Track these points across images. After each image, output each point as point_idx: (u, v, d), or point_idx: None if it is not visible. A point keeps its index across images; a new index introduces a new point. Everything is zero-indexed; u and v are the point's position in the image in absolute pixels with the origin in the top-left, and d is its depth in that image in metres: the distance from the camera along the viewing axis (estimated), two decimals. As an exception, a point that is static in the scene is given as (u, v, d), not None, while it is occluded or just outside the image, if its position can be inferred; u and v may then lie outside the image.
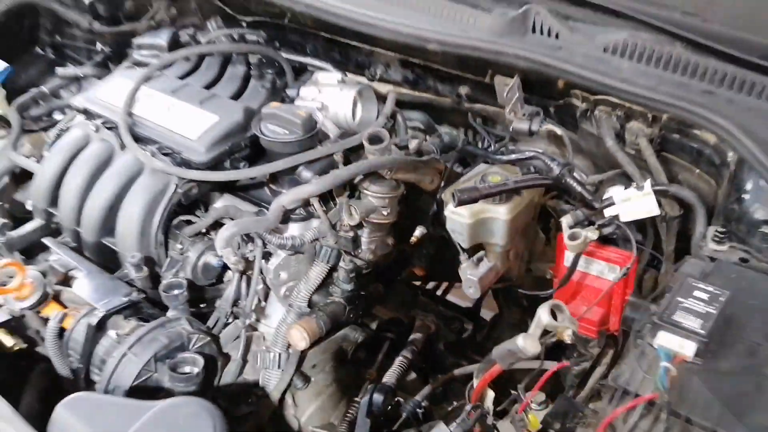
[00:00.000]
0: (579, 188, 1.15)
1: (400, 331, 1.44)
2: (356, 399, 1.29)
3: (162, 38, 1.47)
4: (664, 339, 0.85)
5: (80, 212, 1.21)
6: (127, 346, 1.02)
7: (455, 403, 1.27)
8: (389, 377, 1.27)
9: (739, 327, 0.89)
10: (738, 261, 1.01)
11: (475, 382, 0.99)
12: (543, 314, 0.92)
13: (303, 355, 1.26)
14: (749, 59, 1.12)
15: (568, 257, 1.13)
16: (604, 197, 1.13)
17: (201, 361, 1.03)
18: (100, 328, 1.08)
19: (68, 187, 1.23)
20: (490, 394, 1.02)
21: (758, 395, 0.82)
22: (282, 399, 1.27)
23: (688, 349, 0.84)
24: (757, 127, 1.05)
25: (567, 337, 0.92)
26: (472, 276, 1.21)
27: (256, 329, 1.26)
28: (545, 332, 0.93)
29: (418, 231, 1.30)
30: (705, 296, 0.89)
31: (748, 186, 1.05)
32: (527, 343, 0.90)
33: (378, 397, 1.20)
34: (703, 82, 1.14)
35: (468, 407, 1.00)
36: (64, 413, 0.87)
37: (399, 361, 1.31)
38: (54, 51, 1.78)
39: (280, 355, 1.22)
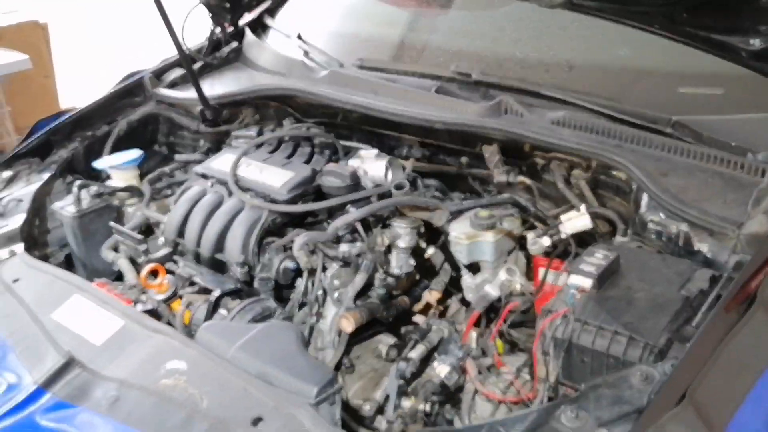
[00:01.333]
0: (533, 208, 1.69)
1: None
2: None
3: (252, 131, 2.10)
4: (573, 279, 1.37)
5: (200, 238, 1.78)
6: (234, 313, 1.57)
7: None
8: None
9: (620, 272, 1.40)
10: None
11: (463, 327, 1.50)
12: (502, 273, 1.45)
13: (350, 338, 1.76)
14: (642, 123, 1.69)
15: (541, 272, 1.63)
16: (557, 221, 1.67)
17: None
18: (216, 306, 1.62)
19: (192, 222, 1.80)
20: (473, 335, 1.53)
21: (627, 307, 1.31)
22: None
23: (586, 283, 1.36)
24: (646, 164, 1.59)
25: (518, 287, 1.45)
26: (470, 284, 1.73)
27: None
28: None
29: (431, 249, 1.83)
30: (601, 255, 1.42)
31: (643, 201, 1.58)
32: (492, 289, 1.44)
33: (403, 365, 1.67)
34: (615, 139, 1.70)
35: (457, 346, 1.51)
36: (204, 331, 1.41)
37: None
38: (168, 148, 2.42)
39: (333, 338, 1.73)
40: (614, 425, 1.10)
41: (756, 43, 1.44)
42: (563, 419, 1.12)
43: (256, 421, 1.21)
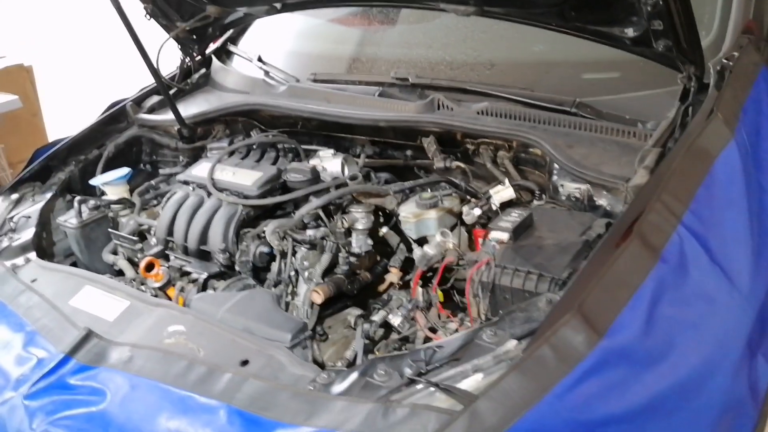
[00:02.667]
0: (464, 185, 2.01)
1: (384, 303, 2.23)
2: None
3: (224, 143, 2.41)
4: (493, 233, 1.68)
5: (187, 233, 2.08)
6: (220, 290, 1.86)
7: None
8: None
9: (534, 226, 1.72)
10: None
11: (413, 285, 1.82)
12: (437, 236, 1.77)
13: (321, 311, 2.05)
14: (551, 106, 2.01)
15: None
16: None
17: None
18: (204, 287, 1.92)
19: (179, 221, 2.09)
20: (419, 290, 1.83)
21: (538, 252, 1.62)
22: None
23: (504, 236, 1.67)
24: (555, 140, 1.91)
25: (451, 245, 1.77)
26: (430, 251, 2.02)
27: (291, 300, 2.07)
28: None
29: (384, 229, 2.13)
30: (516, 214, 1.73)
31: (554, 170, 1.89)
32: (429, 248, 1.75)
33: (367, 326, 1.95)
34: (529, 122, 2.01)
35: (406, 300, 1.82)
36: (197, 301, 1.71)
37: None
38: (152, 165, 2.72)
39: (306, 310, 2.02)
40: (524, 338, 1.40)
41: (629, 31, 1.75)
42: (484, 337, 1.41)
43: (244, 362, 1.50)
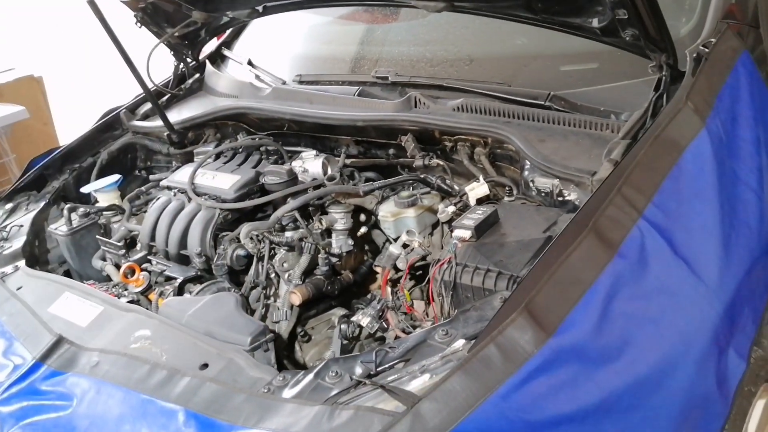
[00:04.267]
0: (438, 182, 1.99)
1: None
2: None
3: (211, 147, 2.44)
4: (456, 232, 1.67)
5: (168, 237, 2.11)
6: (195, 294, 1.88)
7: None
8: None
9: (500, 223, 1.70)
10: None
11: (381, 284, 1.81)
12: (403, 235, 1.76)
13: (305, 312, 2.06)
14: (525, 101, 1.99)
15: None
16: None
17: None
18: (181, 290, 1.94)
19: (160, 227, 2.12)
20: (388, 290, 1.83)
21: (499, 249, 1.60)
22: (292, 346, 2.07)
23: (466, 234, 1.66)
24: (528, 134, 1.89)
25: (416, 244, 1.76)
26: (395, 251, 2.02)
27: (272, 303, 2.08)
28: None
29: (363, 228, 2.13)
30: (481, 211, 1.71)
31: (526, 167, 1.87)
32: (395, 249, 1.74)
33: (344, 327, 1.93)
34: (504, 117, 1.99)
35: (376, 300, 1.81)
36: (165, 306, 1.73)
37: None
38: (146, 171, 2.76)
39: (285, 311, 2.03)
40: (475, 338, 1.38)
41: (595, 21, 1.72)
42: (436, 337, 1.40)
43: (204, 366, 1.52)
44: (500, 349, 1.24)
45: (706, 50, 1.81)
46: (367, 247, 2.22)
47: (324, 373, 1.39)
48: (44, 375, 1.61)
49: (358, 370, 1.38)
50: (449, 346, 1.36)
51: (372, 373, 1.36)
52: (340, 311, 2.09)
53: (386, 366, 1.37)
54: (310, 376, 1.40)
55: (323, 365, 1.42)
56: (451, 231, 1.72)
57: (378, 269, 2.16)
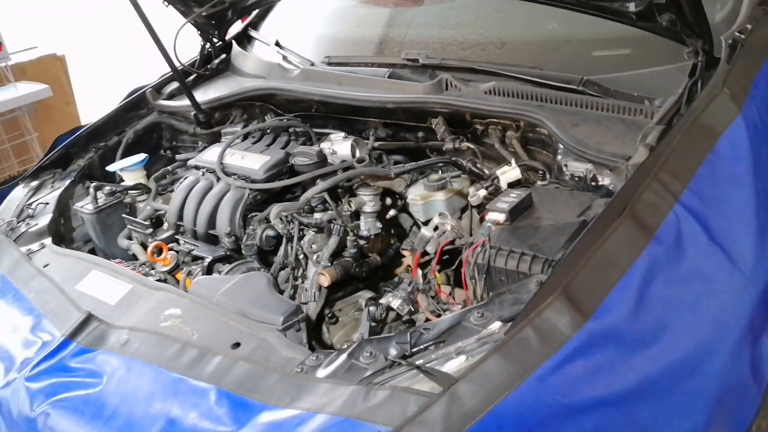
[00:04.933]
0: (468, 166, 1.98)
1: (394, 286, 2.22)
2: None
3: (238, 127, 2.43)
4: (490, 215, 1.66)
5: (196, 217, 2.11)
6: (224, 273, 1.88)
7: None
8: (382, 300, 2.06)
9: (534, 207, 1.68)
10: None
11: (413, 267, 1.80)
12: (435, 218, 1.75)
13: (332, 294, 2.05)
14: (559, 85, 1.97)
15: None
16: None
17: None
18: (209, 270, 1.94)
19: (188, 206, 2.12)
20: (419, 272, 1.82)
21: (534, 233, 1.59)
22: (319, 328, 2.07)
23: (500, 217, 1.65)
24: (561, 119, 1.87)
25: (449, 227, 1.75)
26: (426, 233, 2.01)
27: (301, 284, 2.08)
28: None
29: (392, 211, 2.12)
30: (515, 195, 1.70)
31: (559, 150, 1.86)
32: (427, 231, 1.73)
33: (373, 309, 1.94)
34: (537, 101, 1.97)
35: (406, 282, 1.81)
36: (195, 284, 1.73)
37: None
38: (171, 151, 2.76)
39: (314, 292, 2.02)
40: (511, 320, 1.37)
41: (632, 6, 1.70)
42: (471, 319, 1.39)
43: (236, 345, 1.52)
44: (537, 331, 1.23)
45: (742, 36, 1.79)
46: (393, 231, 2.21)
47: (358, 354, 1.39)
48: (74, 352, 1.61)
49: (393, 351, 1.37)
50: (485, 329, 1.35)
51: (407, 354, 1.36)
52: (367, 294, 2.08)
53: (421, 347, 1.36)
54: (344, 356, 1.40)
55: (357, 345, 1.41)
56: (484, 214, 1.71)
57: (405, 253, 2.16)
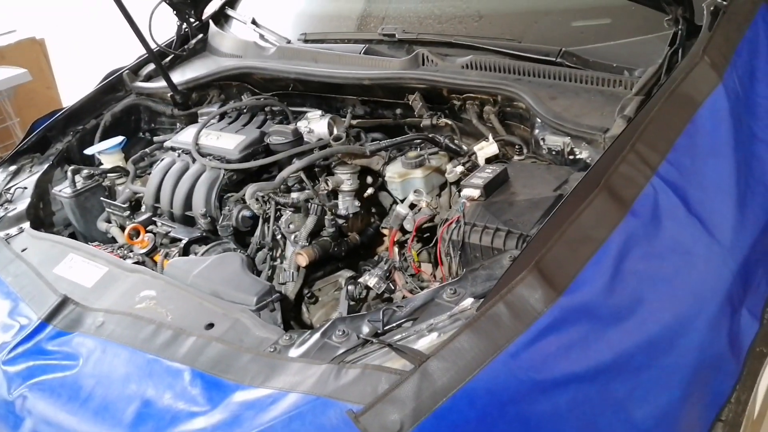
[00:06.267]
0: (447, 141, 1.96)
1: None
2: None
3: (215, 108, 2.40)
4: (465, 191, 1.64)
5: (172, 199, 2.08)
6: (200, 255, 1.86)
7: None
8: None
9: (509, 182, 1.66)
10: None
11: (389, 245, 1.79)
12: (410, 195, 1.73)
13: (311, 274, 2.03)
14: (537, 57, 1.94)
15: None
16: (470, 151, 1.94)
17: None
18: (186, 251, 1.92)
19: (165, 188, 2.10)
20: (395, 250, 1.80)
21: (509, 208, 1.57)
22: (299, 307, 2.05)
23: (475, 193, 1.63)
24: (538, 92, 1.84)
25: (424, 204, 1.73)
26: (402, 211, 1.99)
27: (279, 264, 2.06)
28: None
29: (370, 190, 2.10)
30: (490, 169, 1.68)
31: (536, 124, 1.83)
32: (402, 208, 1.71)
33: (351, 288, 1.91)
34: (514, 74, 1.95)
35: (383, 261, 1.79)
36: (170, 266, 1.71)
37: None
38: (150, 133, 2.73)
39: (292, 272, 2.00)
40: (483, 297, 1.35)
41: (610, -27, 1.67)
42: (444, 296, 1.38)
43: (209, 326, 1.50)
44: (509, 307, 1.22)
45: (724, 3, 1.75)
46: (373, 210, 2.19)
47: (331, 333, 1.38)
48: (50, 335, 1.60)
49: (365, 330, 1.36)
50: (457, 305, 1.33)
51: (379, 332, 1.35)
52: (346, 273, 2.06)
53: (393, 325, 1.35)
54: (317, 335, 1.39)
55: (330, 324, 1.40)
56: (460, 190, 1.70)
57: (385, 231, 2.14)
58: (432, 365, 1.18)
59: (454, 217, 1.59)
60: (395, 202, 2.18)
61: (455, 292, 1.37)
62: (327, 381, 1.25)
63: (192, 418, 1.33)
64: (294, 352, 1.37)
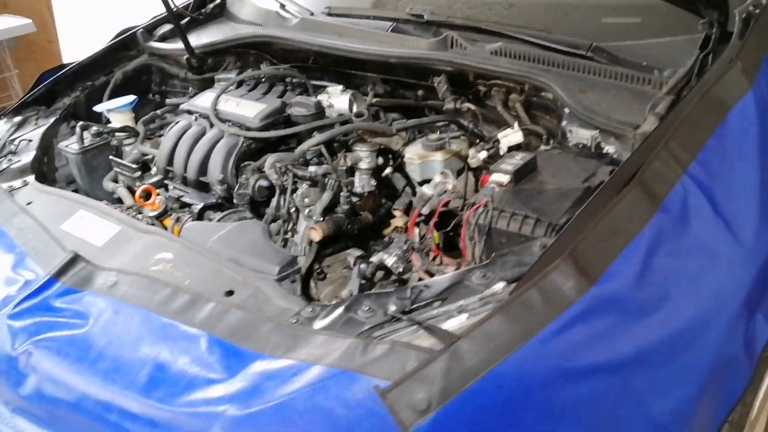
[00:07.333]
0: (470, 127, 1.95)
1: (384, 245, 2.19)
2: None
3: (232, 75, 2.36)
4: (494, 176, 1.63)
5: (187, 163, 2.05)
6: (215, 221, 1.83)
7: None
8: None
9: (537, 171, 1.66)
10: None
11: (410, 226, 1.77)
12: (436, 176, 1.72)
13: (320, 251, 2.02)
14: (566, 50, 1.93)
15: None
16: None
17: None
18: (200, 217, 1.89)
19: (179, 151, 2.06)
20: (416, 231, 1.79)
21: (538, 196, 1.56)
22: (307, 284, 2.03)
23: (504, 178, 1.62)
24: (568, 84, 1.84)
25: (450, 186, 1.71)
26: (427, 191, 1.96)
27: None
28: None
29: (389, 169, 2.08)
30: (519, 157, 1.65)
31: (564, 115, 1.83)
32: (428, 188, 1.70)
33: (363, 267, 1.90)
34: (543, 65, 1.93)
35: (402, 240, 1.78)
36: (187, 230, 1.68)
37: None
38: (160, 96, 2.69)
39: (304, 247, 1.99)
40: (514, 282, 1.35)
41: (650, -29, 1.66)
42: (473, 278, 1.37)
43: (229, 293, 1.48)
44: (542, 293, 1.21)
45: (756, 11, 1.76)
46: (383, 192, 2.17)
47: (356, 307, 1.36)
48: (58, 292, 1.57)
49: (392, 307, 1.34)
50: (488, 289, 1.32)
51: (406, 309, 1.33)
52: (355, 252, 2.05)
53: (421, 304, 1.34)
54: (341, 309, 1.37)
55: (354, 299, 1.38)
56: (482, 177, 1.68)
57: (397, 213, 2.13)
58: (462, 346, 1.17)
59: (482, 201, 1.57)
60: (408, 185, 2.17)
61: (485, 275, 1.36)
62: (353, 355, 1.24)
63: (208, 386, 1.31)
64: (317, 325, 1.35)
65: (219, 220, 1.82)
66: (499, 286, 1.32)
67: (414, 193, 2.11)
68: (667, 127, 1.49)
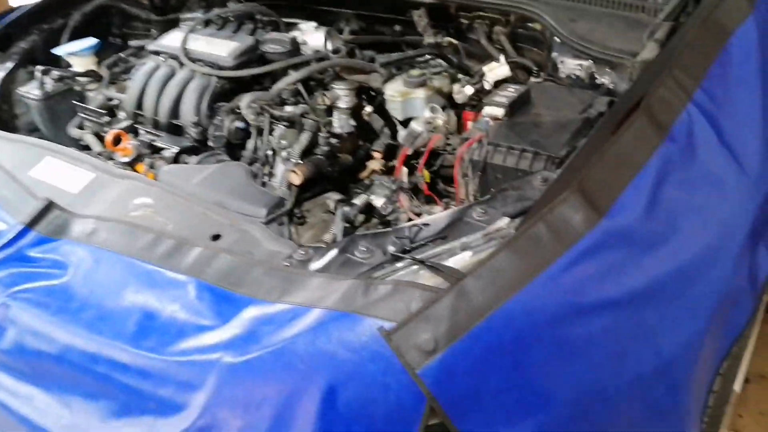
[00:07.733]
0: (456, 61, 1.87)
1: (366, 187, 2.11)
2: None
3: (199, 14, 2.23)
4: (487, 109, 1.56)
5: (157, 106, 1.94)
6: (193, 164, 1.74)
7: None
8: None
9: (531, 103, 1.60)
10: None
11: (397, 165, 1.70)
12: (426, 111, 1.64)
13: (300, 195, 1.93)
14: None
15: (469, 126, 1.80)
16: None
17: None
18: (176, 161, 1.79)
19: (149, 94, 1.95)
20: (404, 170, 1.72)
21: (534, 129, 1.51)
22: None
23: (498, 112, 1.55)
24: (557, 13, 1.77)
25: (440, 122, 1.64)
26: (417, 128, 1.88)
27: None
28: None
29: (369, 108, 2.00)
30: (512, 89, 1.61)
31: (554, 45, 1.76)
32: (417, 125, 1.62)
33: (347, 209, 1.83)
34: (532, -7, 1.88)
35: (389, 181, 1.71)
36: (165, 173, 1.59)
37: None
38: (121, 39, 2.54)
39: (284, 190, 1.90)
40: (517, 217, 1.30)
41: None
42: (474, 215, 1.31)
43: (216, 237, 1.40)
44: (550, 228, 1.16)
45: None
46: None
47: (352, 248, 1.29)
48: (33, 241, 1.46)
49: (391, 247, 1.28)
50: (490, 225, 1.27)
51: (406, 249, 1.27)
52: (335, 195, 1.97)
53: (421, 242, 1.28)
54: (335, 251, 1.30)
55: (349, 240, 1.32)
56: (459, 113, 1.61)
57: (376, 154, 2.05)
58: (469, 284, 1.12)
59: (476, 136, 1.51)
60: (388, 125, 2.09)
61: (486, 211, 1.30)
62: (354, 297, 1.17)
63: (201, 332, 1.23)
64: (313, 267, 1.28)
65: (198, 163, 1.73)
66: (504, 221, 1.26)
67: (393, 136, 2.03)
68: (669, 54, 1.43)
